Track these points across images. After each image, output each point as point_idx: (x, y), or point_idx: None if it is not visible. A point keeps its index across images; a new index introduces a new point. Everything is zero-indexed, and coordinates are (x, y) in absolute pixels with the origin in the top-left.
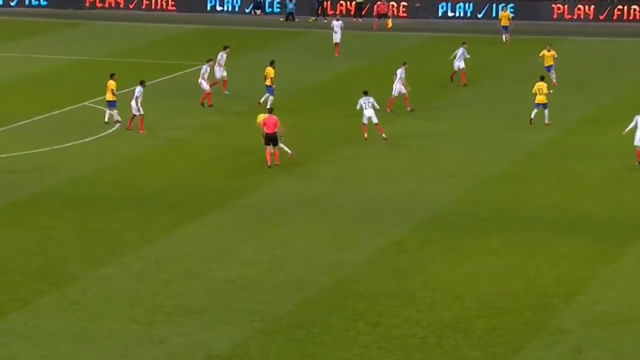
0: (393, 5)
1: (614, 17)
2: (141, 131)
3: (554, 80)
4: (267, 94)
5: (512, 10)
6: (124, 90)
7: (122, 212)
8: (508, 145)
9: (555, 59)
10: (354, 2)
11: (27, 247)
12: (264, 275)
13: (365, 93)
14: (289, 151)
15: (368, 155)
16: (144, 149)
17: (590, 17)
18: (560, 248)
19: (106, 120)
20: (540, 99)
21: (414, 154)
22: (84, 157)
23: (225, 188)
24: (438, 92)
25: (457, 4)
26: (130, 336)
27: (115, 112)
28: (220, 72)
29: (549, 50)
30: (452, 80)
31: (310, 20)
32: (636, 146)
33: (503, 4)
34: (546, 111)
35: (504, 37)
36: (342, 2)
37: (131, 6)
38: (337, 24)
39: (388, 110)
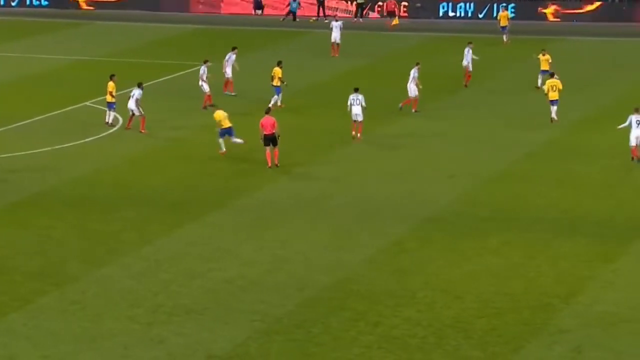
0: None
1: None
2: (142, 131)
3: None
4: (275, 95)
5: (512, 10)
6: (125, 91)
7: (122, 212)
8: (508, 145)
9: (550, 64)
10: (354, 2)
11: (27, 247)
12: (264, 275)
13: (356, 90)
14: (241, 141)
15: (368, 155)
16: (144, 149)
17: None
18: (560, 248)
19: (110, 121)
20: (553, 95)
21: (414, 154)
22: (84, 157)
23: (225, 188)
24: (438, 92)
25: (457, 4)
26: (130, 336)
27: (112, 113)
28: (230, 72)
29: (543, 55)
30: (466, 86)
31: (311, 21)
32: (631, 146)
33: (504, 4)
34: (555, 107)
35: (504, 37)
36: (342, 2)
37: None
38: (336, 24)
39: (413, 110)
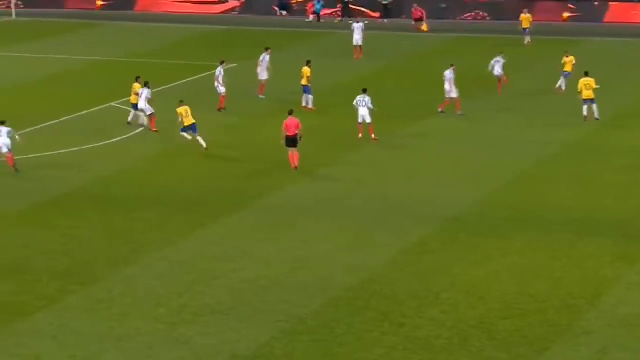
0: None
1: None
2: (153, 130)
3: (564, 87)
4: (306, 94)
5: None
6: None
7: (145, 212)
8: (531, 146)
9: (573, 65)
10: (381, 3)
11: (52, 247)
12: (287, 276)
13: (364, 91)
14: (204, 144)
15: (390, 156)
16: (168, 149)
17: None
18: (585, 249)
19: (139, 122)
20: (587, 94)
21: (436, 154)
22: (109, 157)
23: (246, 188)
24: (460, 94)
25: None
26: (155, 336)
27: (138, 114)
28: (263, 74)
29: (567, 56)
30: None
31: (336, 21)
32: None
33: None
34: (594, 106)
35: (525, 39)
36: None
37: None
38: (357, 26)
39: (458, 112)
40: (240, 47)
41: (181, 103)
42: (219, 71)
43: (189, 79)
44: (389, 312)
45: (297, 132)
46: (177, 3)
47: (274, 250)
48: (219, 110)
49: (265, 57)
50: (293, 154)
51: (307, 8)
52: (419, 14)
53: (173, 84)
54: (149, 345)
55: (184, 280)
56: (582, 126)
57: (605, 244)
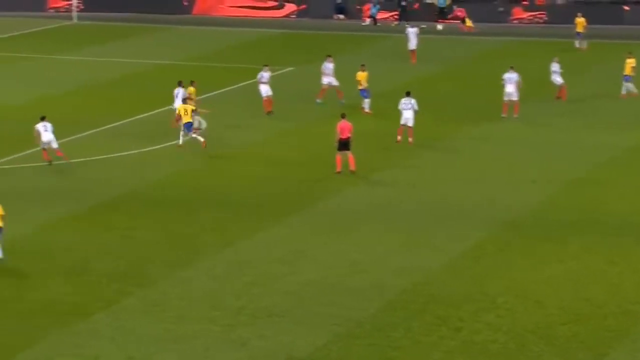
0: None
1: None
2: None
3: (635, 90)
4: (364, 98)
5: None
6: (205, 95)
7: (202, 214)
8: (589, 150)
9: (633, 68)
10: (436, 7)
11: (110, 249)
12: (343, 279)
13: (408, 94)
14: (202, 139)
15: (446, 160)
16: (224, 152)
17: None
18: None
19: (195, 125)
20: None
21: (492, 158)
22: (166, 159)
23: (303, 192)
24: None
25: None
26: (211, 338)
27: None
28: (327, 80)
29: (629, 58)
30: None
31: (393, 25)
32: None
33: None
34: (630, 84)
35: (577, 42)
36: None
37: None
38: (411, 31)
39: (515, 115)
40: (297, 50)
41: (184, 102)
42: (261, 75)
43: (246, 83)
44: (446, 317)
45: (349, 135)
46: (233, 8)
47: (331, 254)
48: (267, 113)
49: (327, 65)
50: (346, 157)
51: (363, 11)
52: (461, 14)
53: (228, 88)
54: (205, 347)
55: (240, 283)
56: None
57: None
